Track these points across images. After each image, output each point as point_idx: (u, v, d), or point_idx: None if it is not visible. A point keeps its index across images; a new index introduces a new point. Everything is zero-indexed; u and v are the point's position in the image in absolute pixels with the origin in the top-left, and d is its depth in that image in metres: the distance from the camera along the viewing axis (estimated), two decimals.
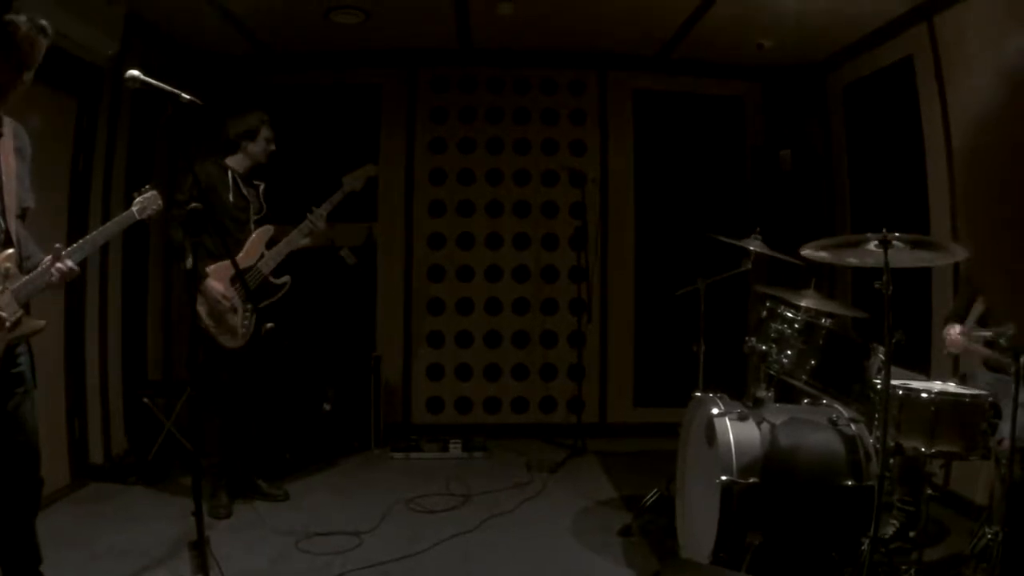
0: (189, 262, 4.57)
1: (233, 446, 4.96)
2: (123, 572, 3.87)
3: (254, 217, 5.01)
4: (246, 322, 4.85)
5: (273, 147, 5.05)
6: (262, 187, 5.12)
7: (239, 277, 4.52)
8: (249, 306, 4.84)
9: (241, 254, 4.84)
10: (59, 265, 3.05)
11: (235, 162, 4.99)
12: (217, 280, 4.75)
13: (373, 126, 7.08)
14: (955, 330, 3.80)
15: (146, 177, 5.67)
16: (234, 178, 4.93)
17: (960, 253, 3.33)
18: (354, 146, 6.86)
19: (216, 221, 4.72)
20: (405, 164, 7.06)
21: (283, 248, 4.97)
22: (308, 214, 5.01)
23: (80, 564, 3.92)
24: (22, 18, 2.91)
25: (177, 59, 6.14)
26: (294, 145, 6.80)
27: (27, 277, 3.02)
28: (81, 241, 3.23)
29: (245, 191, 4.98)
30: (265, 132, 4.99)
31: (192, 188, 4.42)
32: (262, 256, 4.92)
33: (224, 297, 4.73)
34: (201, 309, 4.72)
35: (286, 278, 5.05)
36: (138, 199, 3.44)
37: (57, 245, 3.08)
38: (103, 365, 5.54)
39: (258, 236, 4.95)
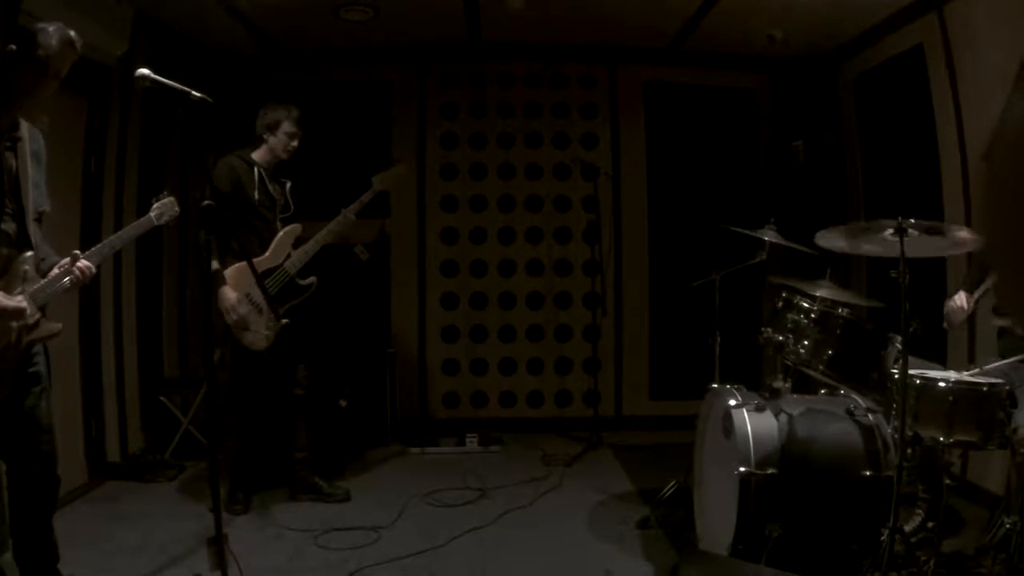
0: (215, 264, 4.57)
1: (250, 444, 4.94)
2: (141, 569, 3.89)
3: (280, 215, 4.90)
4: (271, 323, 4.72)
5: (295, 144, 4.88)
6: (289, 185, 5.01)
7: (259, 281, 4.46)
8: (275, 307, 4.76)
9: (267, 254, 4.74)
10: (80, 264, 3.08)
11: (260, 156, 4.86)
12: (234, 285, 4.61)
13: (384, 122, 7.08)
14: (961, 298, 3.78)
15: (159, 177, 5.70)
16: (260, 174, 4.80)
17: (974, 241, 3.30)
18: (365, 143, 6.87)
19: (241, 219, 4.69)
20: (417, 159, 7.05)
21: (311, 248, 4.84)
22: (341, 212, 4.91)
23: (98, 561, 3.94)
24: (52, 30, 2.93)
25: (186, 58, 6.15)
26: (304, 142, 6.81)
27: (44, 280, 3.04)
28: (99, 245, 3.26)
29: (271, 188, 4.86)
30: (287, 127, 4.83)
31: (208, 185, 4.40)
32: (288, 256, 4.80)
33: (233, 309, 4.58)
34: (226, 312, 4.63)
35: (312, 279, 4.93)
36: (156, 205, 3.46)
37: (76, 252, 3.11)
38: (119, 364, 5.56)
39: (284, 235, 4.82)
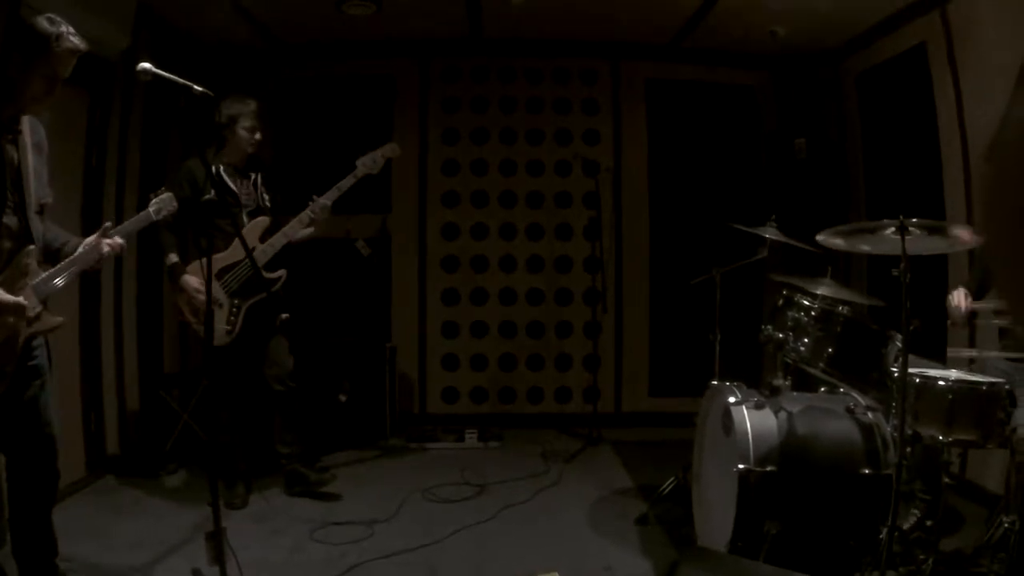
0: (171, 258, 4.59)
1: (243, 437, 4.93)
2: (139, 563, 3.89)
3: (247, 210, 4.81)
4: (232, 318, 4.69)
5: (257, 137, 4.81)
6: (255, 178, 4.91)
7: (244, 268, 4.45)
8: (236, 301, 4.70)
9: (230, 249, 4.65)
10: (108, 240, 3.11)
11: (224, 153, 4.80)
12: (195, 275, 4.61)
13: (386, 117, 7.07)
14: (959, 295, 3.77)
15: (160, 171, 5.69)
16: (217, 171, 4.72)
17: (975, 239, 3.30)
18: (367, 137, 6.84)
19: (205, 219, 4.64)
20: (418, 155, 7.05)
21: (279, 240, 4.75)
22: (310, 202, 4.83)
23: (97, 555, 3.94)
24: (56, 33, 2.93)
25: (189, 53, 6.11)
26: (307, 137, 6.82)
27: (46, 273, 3.05)
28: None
29: (233, 184, 4.78)
30: (244, 122, 4.74)
31: (188, 184, 4.49)
32: (253, 249, 4.64)
33: (198, 291, 4.56)
34: (184, 305, 4.64)
35: (281, 272, 4.86)
36: (154, 200, 3.48)
37: (107, 224, 3.14)
38: (119, 359, 5.56)
39: (250, 229, 4.73)
